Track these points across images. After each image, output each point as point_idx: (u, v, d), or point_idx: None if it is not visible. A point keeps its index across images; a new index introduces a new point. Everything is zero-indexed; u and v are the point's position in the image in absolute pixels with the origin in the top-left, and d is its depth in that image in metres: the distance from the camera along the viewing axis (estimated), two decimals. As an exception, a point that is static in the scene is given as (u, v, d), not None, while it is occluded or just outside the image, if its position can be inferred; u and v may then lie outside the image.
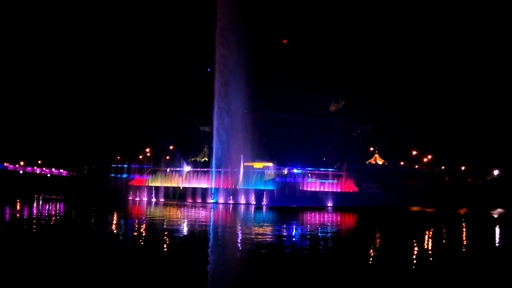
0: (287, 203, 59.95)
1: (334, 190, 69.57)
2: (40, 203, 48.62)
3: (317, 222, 35.79)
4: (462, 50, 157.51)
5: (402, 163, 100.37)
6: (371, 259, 17.87)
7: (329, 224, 34.49)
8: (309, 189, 68.54)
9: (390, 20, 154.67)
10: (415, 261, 17.53)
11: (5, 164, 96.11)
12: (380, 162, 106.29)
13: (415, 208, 57.72)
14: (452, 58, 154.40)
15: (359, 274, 14.65)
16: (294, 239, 23.19)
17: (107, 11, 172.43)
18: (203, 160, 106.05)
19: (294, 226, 30.25)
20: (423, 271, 15.39)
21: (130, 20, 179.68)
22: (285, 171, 79.22)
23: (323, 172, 75.90)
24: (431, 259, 18.17)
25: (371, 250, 20.13)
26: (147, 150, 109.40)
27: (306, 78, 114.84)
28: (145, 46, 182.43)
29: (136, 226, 27.56)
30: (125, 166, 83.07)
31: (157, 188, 67.73)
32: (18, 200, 50.33)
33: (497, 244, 24.31)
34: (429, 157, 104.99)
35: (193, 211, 43.69)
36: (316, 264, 16.17)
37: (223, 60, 69.61)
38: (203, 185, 68.91)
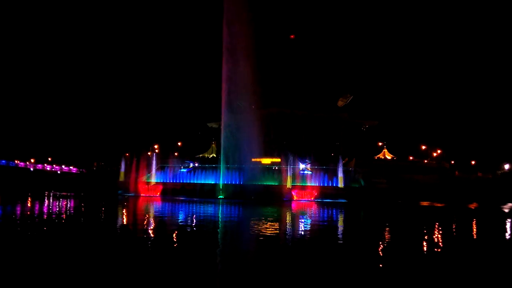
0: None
1: (343, 185, 69.34)
2: (51, 199, 49.18)
3: (331, 216, 35.74)
4: (472, 45, 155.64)
5: (411, 158, 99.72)
6: (381, 252, 17.81)
7: (339, 219, 34.43)
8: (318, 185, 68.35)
9: (398, 15, 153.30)
10: (427, 255, 17.44)
11: (16, 161, 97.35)
12: (388, 157, 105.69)
13: (424, 203, 57.32)
14: (462, 52, 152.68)
15: (372, 267, 14.63)
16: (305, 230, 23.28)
17: (115, 11, 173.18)
18: (211, 156, 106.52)
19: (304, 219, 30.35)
20: (435, 264, 15.31)
21: (138, 19, 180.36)
22: (295, 166, 79.05)
23: (331, 167, 75.61)
24: (442, 253, 18.05)
25: (382, 244, 20.05)
26: (156, 146, 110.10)
27: (314, 73, 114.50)
28: (152, 45, 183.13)
29: (146, 221, 27.77)
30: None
31: (165, 184, 68.10)
32: (29, 197, 50.99)
33: (508, 238, 24.08)
34: (439, 151, 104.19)
35: (202, 207, 43.88)
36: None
37: (230, 56, 69.54)
38: (211, 181, 69.17)
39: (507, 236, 25.47)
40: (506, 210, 48.16)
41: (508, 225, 31.55)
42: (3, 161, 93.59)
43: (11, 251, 15.95)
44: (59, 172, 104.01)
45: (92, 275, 12.50)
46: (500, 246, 20.71)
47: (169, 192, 65.00)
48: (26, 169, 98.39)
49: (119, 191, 66.44)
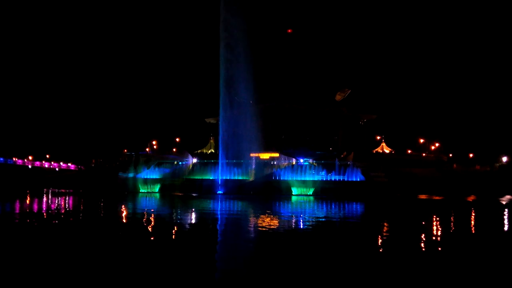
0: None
1: (341, 179, 69.46)
2: (50, 196, 49.14)
3: (331, 210, 35.83)
4: (469, 38, 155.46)
5: (409, 151, 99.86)
6: (380, 245, 17.85)
7: (340, 212, 34.50)
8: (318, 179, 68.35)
9: (396, 9, 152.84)
10: (424, 248, 17.50)
11: (14, 159, 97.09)
12: (387, 150, 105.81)
13: (423, 196, 57.52)
14: (459, 46, 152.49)
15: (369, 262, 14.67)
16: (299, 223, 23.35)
17: (112, 8, 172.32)
18: (209, 151, 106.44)
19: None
20: (433, 257, 15.37)
21: (135, 15, 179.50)
22: (293, 161, 79.28)
23: (330, 162, 75.79)
24: (439, 246, 18.11)
25: (381, 237, 20.10)
26: (154, 142, 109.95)
27: (312, 67, 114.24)
28: (149, 41, 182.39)
29: (144, 218, 27.81)
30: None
31: (164, 180, 68.01)
32: (28, 194, 50.94)
33: (506, 230, 24.18)
34: (437, 144, 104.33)
35: (200, 203, 43.96)
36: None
37: (228, 50, 69.22)
38: (209, 176, 69.15)
39: (506, 227, 25.57)
40: (504, 202, 48.34)
41: (506, 217, 31.66)
42: (1, 159, 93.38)
43: (12, 248, 15.94)
44: (57, 169, 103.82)
45: (95, 269, 12.51)
46: (498, 237, 20.78)
47: (168, 188, 64.96)
48: (24, 166, 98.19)
49: (118, 188, 66.37)
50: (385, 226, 25.38)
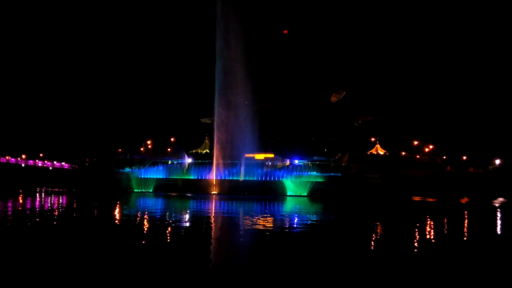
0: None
1: (336, 180, 69.54)
2: (43, 196, 48.77)
3: (325, 211, 35.84)
4: (463, 40, 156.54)
5: (403, 153, 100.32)
6: (370, 246, 17.89)
7: (332, 213, 34.52)
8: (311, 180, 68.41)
9: (390, 11, 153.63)
10: (415, 249, 17.55)
11: (7, 157, 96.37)
12: (381, 152, 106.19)
13: (417, 198, 57.73)
14: (453, 47, 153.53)
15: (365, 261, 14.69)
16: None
17: (107, 7, 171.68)
18: (204, 152, 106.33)
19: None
20: (423, 259, 15.42)
21: (130, 14, 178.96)
22: (287, 162, 79.40)
23: (324, 163, 75.95)
24: (431, 249, 18.18)
25: (372, 239, 20.13)
26: (148, 142, 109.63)
27: (307, 68, 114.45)
28: (145, 40, 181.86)
29: (137, 218, 27.70)
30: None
31: (158, 180, 67.80)
32: (20, 193, 50.53)
33: (498, 232, 24.32)
34: (431, 147, 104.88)
35: (193, 203, 43.85)
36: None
37: (223, 51, 69.19)
38: (205, 176, 69.01)
39: (498, 230, 25.71)
40: (497, 205, 48.63)
41: (498, 220, 31.85)
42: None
43: (5, 249, 15.78)
44: (50, 168, 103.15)
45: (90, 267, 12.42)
46: (490, 240, 20.89)
47: (162, 188, 64.70)
48: (17, 165, 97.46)
49: (112, 187, 66.03)
50: (378, 227, 25.43)
